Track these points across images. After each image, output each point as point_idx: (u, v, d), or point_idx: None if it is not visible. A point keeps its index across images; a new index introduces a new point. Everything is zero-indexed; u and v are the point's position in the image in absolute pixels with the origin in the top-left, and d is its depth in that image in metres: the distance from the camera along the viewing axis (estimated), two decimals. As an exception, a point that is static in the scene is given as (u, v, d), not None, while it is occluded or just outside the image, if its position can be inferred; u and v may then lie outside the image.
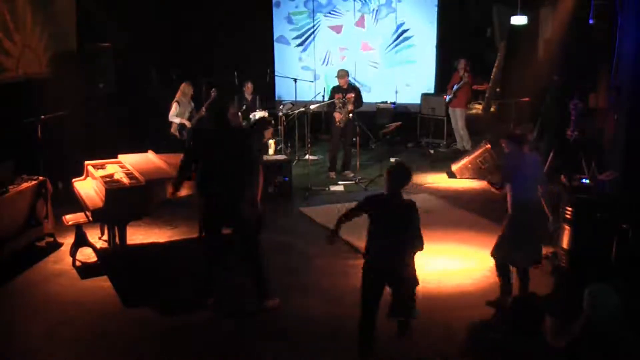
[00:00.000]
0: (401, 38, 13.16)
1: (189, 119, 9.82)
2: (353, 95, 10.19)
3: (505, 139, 6.00)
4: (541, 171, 6.07)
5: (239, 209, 5.70)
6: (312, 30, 13.49)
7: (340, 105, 10.19)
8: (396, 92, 13.11)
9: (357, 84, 11.15)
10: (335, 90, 10.36)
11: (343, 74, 10.41)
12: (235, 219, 5.76)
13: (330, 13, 13.41)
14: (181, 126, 9.78)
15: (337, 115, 10.24)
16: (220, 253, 5.95)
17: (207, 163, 5.75)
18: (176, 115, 9.74)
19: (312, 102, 10.97)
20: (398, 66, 13.25)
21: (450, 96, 11.64)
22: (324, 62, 13.47)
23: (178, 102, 9.76)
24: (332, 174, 10.44)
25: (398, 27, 13.13)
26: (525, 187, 5.65)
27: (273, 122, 10.04)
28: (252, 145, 5.91)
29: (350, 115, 10.18)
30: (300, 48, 13.65)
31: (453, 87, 11.61)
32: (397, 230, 4.71)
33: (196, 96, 10.27)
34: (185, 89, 9.89)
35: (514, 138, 5.85)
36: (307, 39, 13.58)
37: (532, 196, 5.67)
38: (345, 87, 10.28)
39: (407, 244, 4.73)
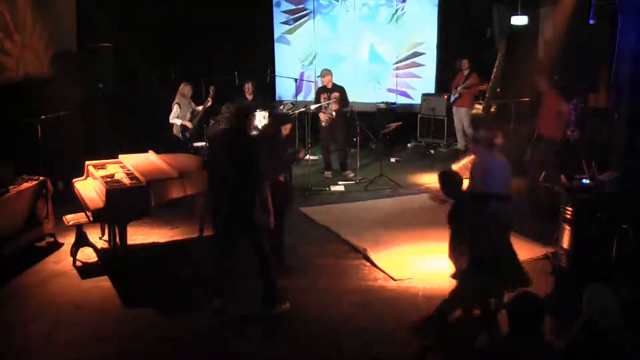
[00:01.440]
0: (401, 38, 13.15)
1: (191, 120, 9.82)
2: (338, 94, 10.18)
3: (472, 142, 6.01)
4: (509, 177, 6.06)
5: (248, 214, 5.66)
6: (312, 29, 13.48)
7: (325, 105, 10.18)
8: (396, 93, 13.11)
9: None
10: (321, 90, 10.35)
11: (326, 73, 10.40)
12: (245, 223, 5.72)
13: (330, 13, 13.41)
14: (183, 128, 9.78)
15: (322, 116, 10.24)
16: (228, 252, 5.93)
17: (220, 167, 5.75)
18: (177, 117, 9.74)
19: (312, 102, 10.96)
20: (398, 66, 13.25)
21: (455, 96, 11.65)
22: (320, 62, 13.45)
23: (178, 104, 9.77)
24: (328, 174, 10.44)
25: (398, 28, 13.11)
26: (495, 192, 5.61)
27: (293, 117, 10.01)
28: (260, 152, 5.83)
29: (333, 113, 10.16)
30: (301, 48, 13.65)
31: (457, 87, 11.62)
32: None
33: (197, 96, 10.27)
34: (184, 90, 9.89)
35: (481, 140, 5.86)
36: (307, 38, 13.57)
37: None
38: (329, 86, 10.28)
39: None
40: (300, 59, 13.51)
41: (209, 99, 10.03)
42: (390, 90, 13.22)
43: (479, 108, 12.43)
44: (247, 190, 5.63)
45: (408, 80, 13.17)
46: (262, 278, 5.77)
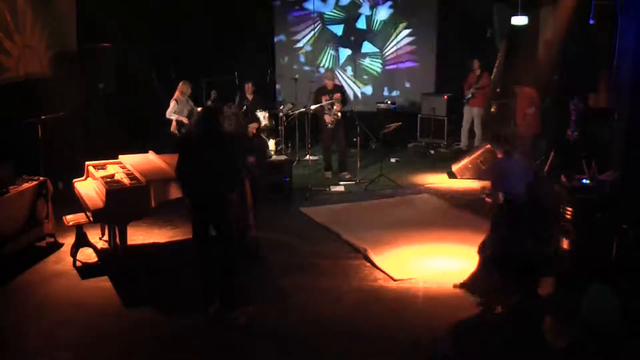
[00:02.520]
0: (402, 38, 13.16)
1: (187, 117, 9.84)
2: (339, 94, 10.18)
3: (492, 143, 6.08)
4: (530, 178, 6.13)
5: (221, 212, 5.67)
6: (312, 30, 13.50)
7: (329, 107, 10.16)
8: (396, 92, 13.11)
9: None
10: (321, 92, 10.31)
11: (328, 74, 10.38)
12: (218, 221, 5.73)
13: (330, 12, 13.42)
14: (180, 124, 9.79)
15: (327, 118, 10.20)
16: (210, 255, 5.90)
17: (192, 165, 5.71)
18: (174, 113, 9.76)
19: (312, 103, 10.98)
20: (398, 66, 13.26)
21: (468, 96, 11.68)
22: (324, 62, 13.47)
23: (176, 100, 9.80)
24: (328, 174, 10.44)
25: (398, 27, 13.12)
26: (513, 192, 5.72)
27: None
28: (234, 150, 5.85)
29: (338, 114, 10.15)
30: (301, 48, 13.65)
31: (470, 87, 11.64)
32: None
33: (197, 96, 10.26)
34: (183, 88, 9.91)
35: (501, 141, 5.93)
36: (307, 38, 13.59)
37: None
38: (330, 87, 10.27)
39: None
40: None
41: (211, 98, 10.05)
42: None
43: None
44: (224, 189, 5.65)
45: (407, 80, 13.17)
46: (225, 281, 5.80)
